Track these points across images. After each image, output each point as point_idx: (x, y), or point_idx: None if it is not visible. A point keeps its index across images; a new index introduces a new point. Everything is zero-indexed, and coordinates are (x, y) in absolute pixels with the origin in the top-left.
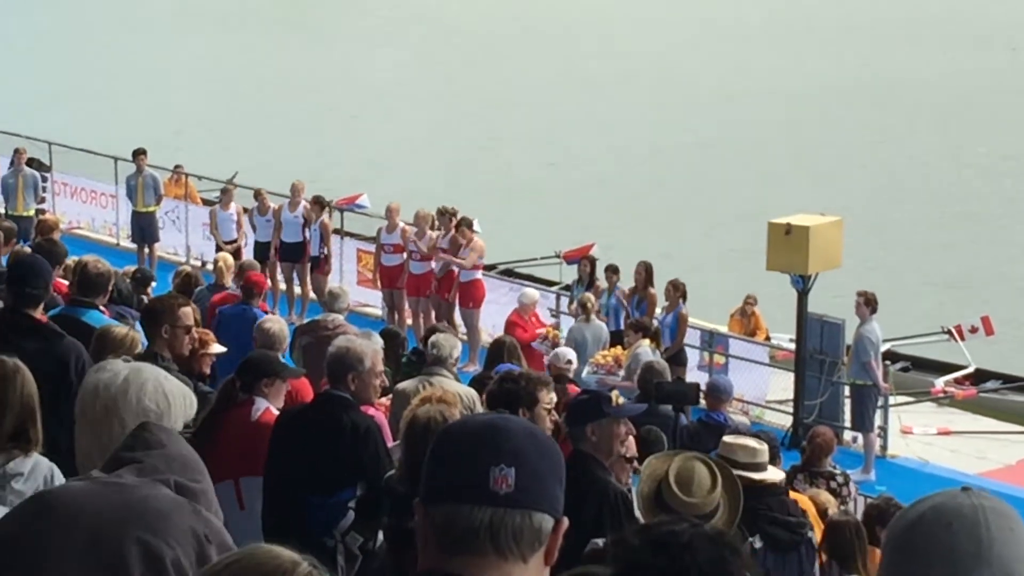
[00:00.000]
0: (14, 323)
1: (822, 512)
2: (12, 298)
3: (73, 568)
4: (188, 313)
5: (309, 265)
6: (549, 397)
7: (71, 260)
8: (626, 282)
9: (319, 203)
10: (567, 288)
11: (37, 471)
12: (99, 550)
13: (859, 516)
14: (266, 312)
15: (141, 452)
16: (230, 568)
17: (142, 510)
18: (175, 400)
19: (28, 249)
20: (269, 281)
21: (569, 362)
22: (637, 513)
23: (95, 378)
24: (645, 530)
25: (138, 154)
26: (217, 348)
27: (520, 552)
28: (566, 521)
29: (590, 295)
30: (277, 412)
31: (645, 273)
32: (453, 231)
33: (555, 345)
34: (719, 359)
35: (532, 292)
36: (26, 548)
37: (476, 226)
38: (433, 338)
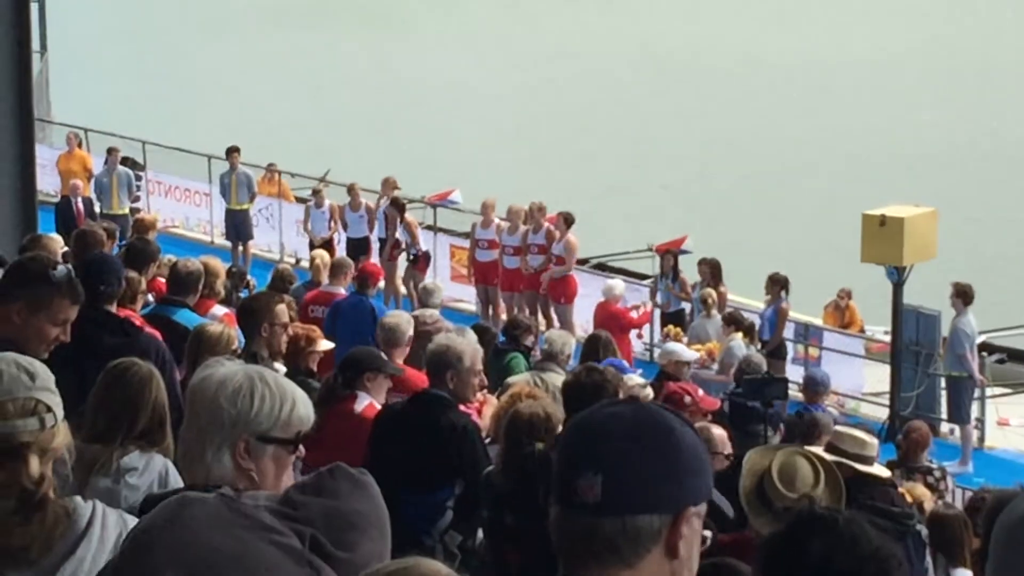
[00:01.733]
0: (93, 319)
1: (918, 506)
2: (90, 296)
3: None
4: (284, 310)
5: (399, 262)
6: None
7: (168, 258)
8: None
9: (396, 205)
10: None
11: (152, 467)
12: None
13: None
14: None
15: (309, 495)
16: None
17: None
18: (273, 409)
19: (123, 249)
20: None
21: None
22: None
23: (204, 375)
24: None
25: (231, 152)
26: (325, 345)
27: (622, 558)
28: (693, 509)
29: (711, 291)
30: (379, 407)
31: (710, 271)
32: (548, 225)
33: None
34: (814, 352)
35: (616, 283)
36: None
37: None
38: (547, 334)
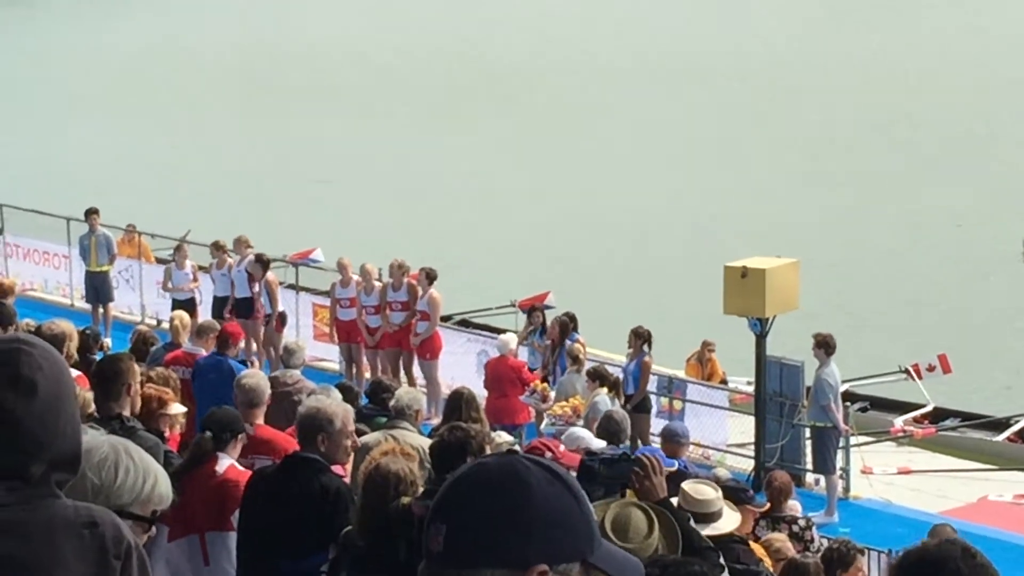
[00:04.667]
0: None
1: (775, 556)
2: None
3: None
4: (137, 371)
5: (262, 321)
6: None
7: (26, 323)
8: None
9: (260, 261)
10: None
11: None
12: None
13: None
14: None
15: None
16: None
17: None
18: (155, 485)
19: None
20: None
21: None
22: None
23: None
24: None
25: (90, 213)
26: (178, 408)
27: None
28: (544, 568)
29: (579, 346)
30: (241, 468)
31: (559, 328)
32: (410, 281)
33: (544, 399)
34: (678, 404)
35: (510, 337)
36: None
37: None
38: (396, 392)
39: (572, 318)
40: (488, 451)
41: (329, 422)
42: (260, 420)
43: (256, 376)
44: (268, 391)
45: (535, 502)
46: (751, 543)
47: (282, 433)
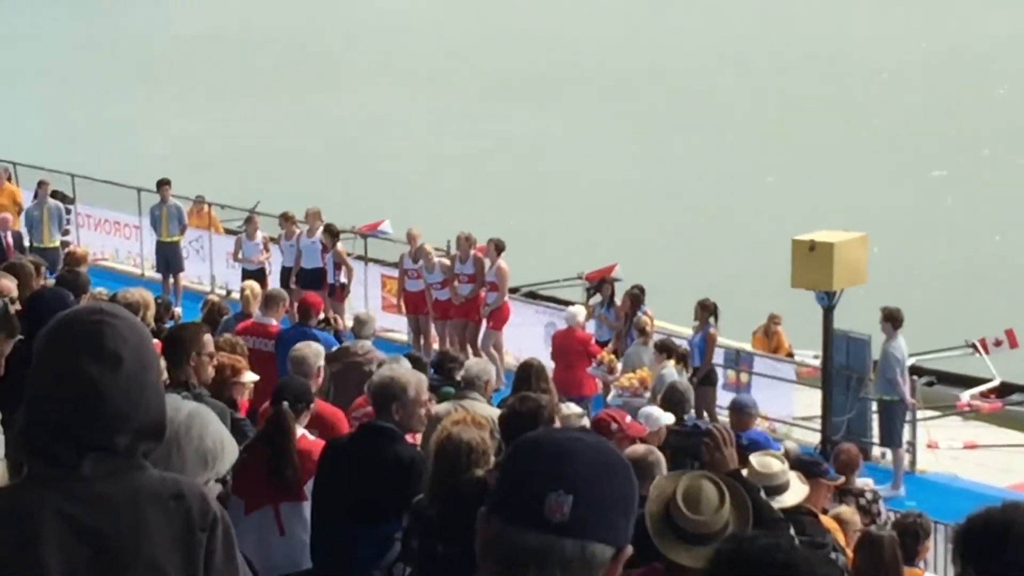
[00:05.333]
0: (28, 358)
1: (845, 528)
2: (33, 331)
3: None
4: (211, 340)
5: (328, 292)
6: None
7: (100, 291)
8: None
9: (331, 232)
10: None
11: None
12: None
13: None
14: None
15: None
16: None
17: None
18: (228, 446)
19: (53, 281)
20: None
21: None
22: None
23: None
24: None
25: (162, 185)
26: (250, 377)
27: None
28: (630, 549)
29: (647, 318)
30: (311, 438)
31: (631, 301)
32: (477, 254)
33: (611, 370)
34: (744, 378)
35: (576, 309)
36: None
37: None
38: (466, 363)
39: (641, 291)
40: (557, 422)
41: (403, 391)
42: (312, 390)
43: (307, 347)
44: (320, 363)
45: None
46: (820, 516)
47: (328, 405)
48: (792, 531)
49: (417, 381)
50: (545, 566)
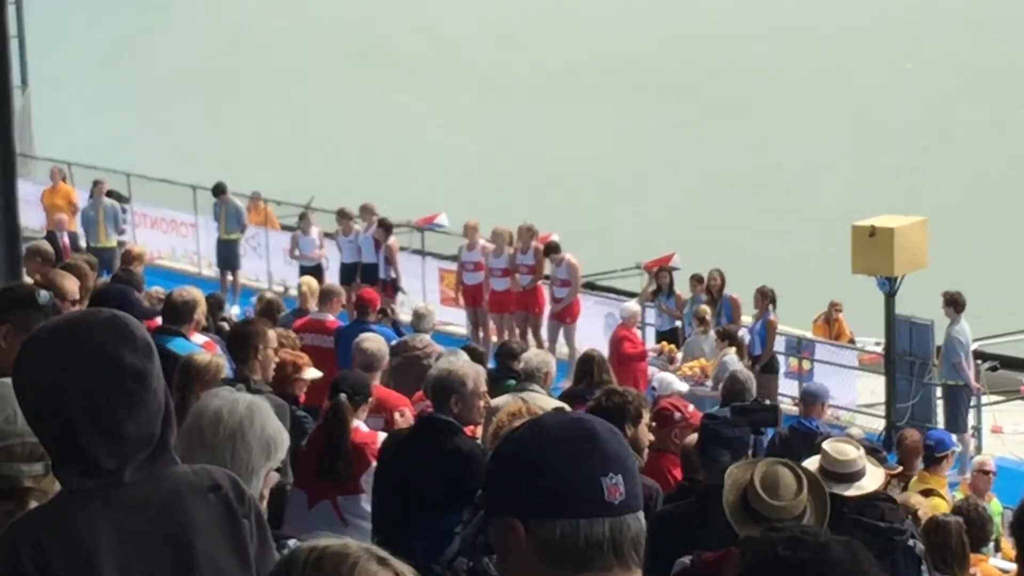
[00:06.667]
0: None
1: (913, 516)
2: None
3: None
4: (274, 336)
5: (381, 287)
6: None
7: (155, 290)
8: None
9: (384, 226)
10: (651, 298)
11: None
12: None
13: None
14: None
15: None
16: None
17: None
18: (284, 435)
19: (107, 280)
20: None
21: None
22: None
23: (214, 404)
24: (780, 530)
25: (219, 192)
26: (312, 373)
27: (639, 557)
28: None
29: (706, 307)
30: (366, 430)
31: (721, 281)
32: (537, 245)
33: (672, 360)
34: (806, 365)
35: (632, 305)
36: None
37: (555, 238)
38: (525, 354)
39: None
40: (645, 416)
41: (462, 384)
42: (377, 382)
43: (375, 340)
44: (387, 355)
45: None
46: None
47: (394, 392)
48: (865, 517)
49: (476, 374)
50: (620, 549)
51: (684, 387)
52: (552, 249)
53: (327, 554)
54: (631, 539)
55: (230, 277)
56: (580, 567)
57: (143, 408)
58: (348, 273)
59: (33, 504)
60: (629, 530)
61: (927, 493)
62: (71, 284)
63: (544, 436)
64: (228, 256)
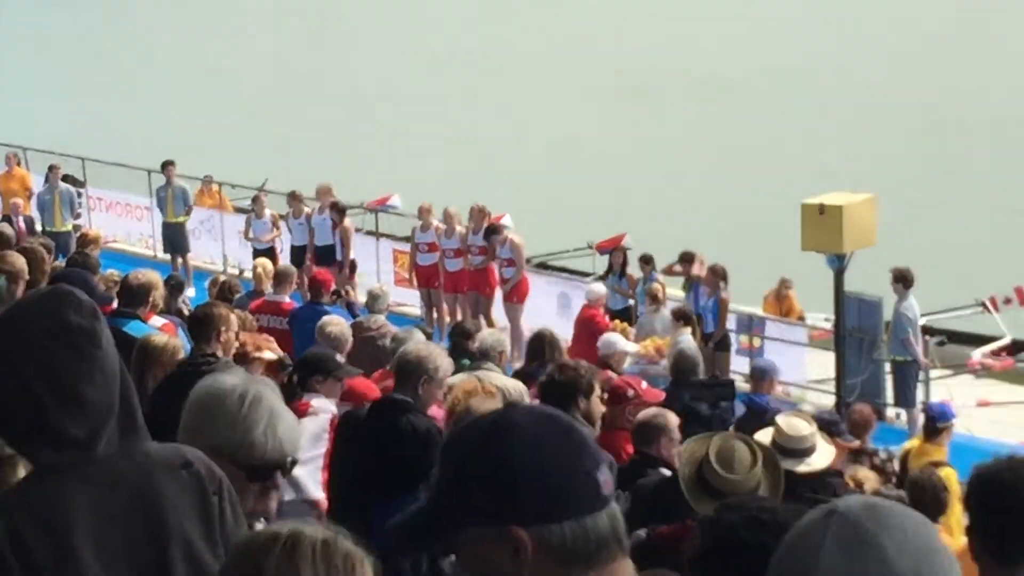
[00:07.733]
0: None
1: (859, 489)
2: None
3: None
4: (235, 319)
5: (338, 268)
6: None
7: (111, 273)
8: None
9: (337, 208)
10: (600, 279)
11: None
12: None
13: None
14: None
15: None
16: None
17: None
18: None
19: (63, 264)
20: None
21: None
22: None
23: (215, 386)
24: (739, 508)
25: (167, 165)
26: (270, 354)
27: (627, 540)
28: None
29: (659, 285)
30: (318, 404)
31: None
32: (487, 233)
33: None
34: (756, 342)
35: (599, 287)
36: None
37: (507, 220)
38: (480, 334)
39: (649, 259)
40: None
41: (435, 369)
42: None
43: (338, 323)
44: (350, 338)
45: None
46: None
47: (363, 378)
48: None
49: (447, 364)
50: (621, 540)
51: (632, 347)
52: (493, 231)
53: (302, 537)
54: (624, 526)
55: (180, 260)
56: (589, 565)
57: (98, 369)
58: (298, 256)
59: (21, 472)
60: (621, 520)
61: (936, 465)
62: (21, 262)
63: (528, 435)
64: (175, 239)
